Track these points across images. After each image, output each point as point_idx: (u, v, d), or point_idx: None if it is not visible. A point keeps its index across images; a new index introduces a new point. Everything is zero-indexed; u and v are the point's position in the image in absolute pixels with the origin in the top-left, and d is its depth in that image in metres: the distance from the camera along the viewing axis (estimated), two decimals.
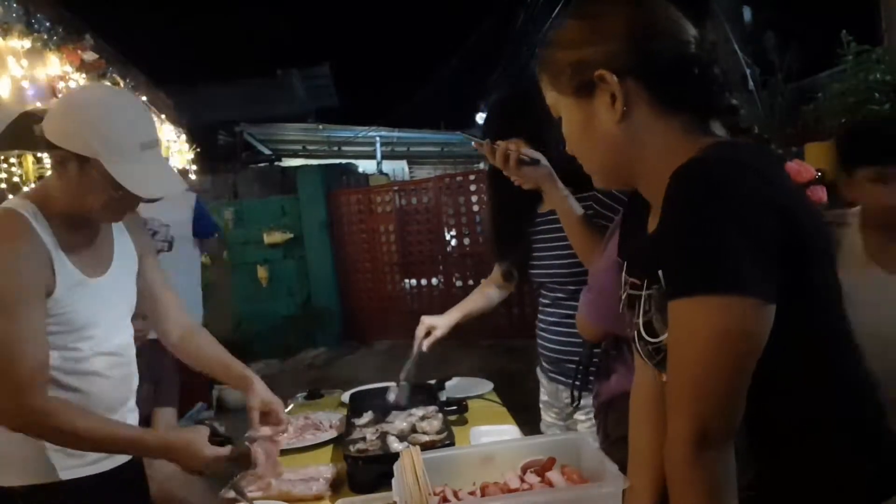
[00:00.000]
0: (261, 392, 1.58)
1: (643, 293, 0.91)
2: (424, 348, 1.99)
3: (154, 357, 2.10)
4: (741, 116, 0.94)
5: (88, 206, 1.37)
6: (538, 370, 2.05)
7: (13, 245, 1.29)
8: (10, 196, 1.92)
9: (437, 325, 2.02)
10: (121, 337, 1.52)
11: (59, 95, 3.80)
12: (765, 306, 0.78)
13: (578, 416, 1.85)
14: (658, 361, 0.92)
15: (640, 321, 0.92)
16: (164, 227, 3.26)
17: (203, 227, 3.56)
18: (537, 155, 1.61)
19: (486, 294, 2.16)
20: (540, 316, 1.96)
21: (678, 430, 0.82)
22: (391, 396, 1.91)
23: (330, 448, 1.86)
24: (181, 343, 1.67)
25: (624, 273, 1.02)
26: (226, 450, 1.42)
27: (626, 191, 1.54)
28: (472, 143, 1.75)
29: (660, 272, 0.86)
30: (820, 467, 0.87)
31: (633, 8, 0.91)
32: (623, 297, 1.01)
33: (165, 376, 2.80)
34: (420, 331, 2.01)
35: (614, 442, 1.44)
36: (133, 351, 1.56)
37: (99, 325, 1.43)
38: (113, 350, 1.47)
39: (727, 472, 0.83)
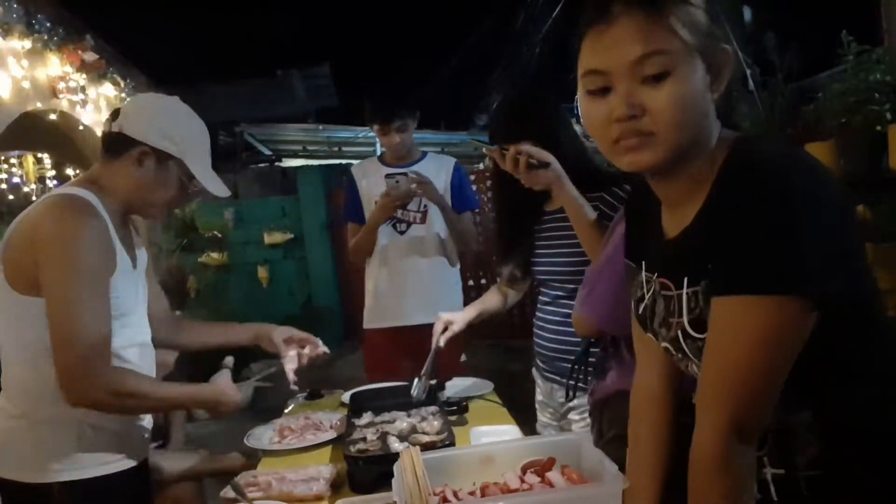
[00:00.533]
0: (275, 330, 1.82)
1: (685, 291, 0.90)
2: (441, 344, 2.00)
3: None
4: (738, 112, 0.95)
5: (153, 201, 1.53)
6: (534, 370, 2.05)
7: (88, 221, 1.38)
8: (11, 197, 1.99)
9: (453, 320, 2.04)
10: (147, 330, 1.61)
11: (60, 95, 3.81)
12: (812, 308, 0.78)
13: (572, 415, 1.86)
14: None
15: (686, 319, 0.91)
16: (404, 177, 2.57)
17: (466, 200, 2.83)
18: (548, 157, 1.60)
19: (501, 293, 2.17)
20: (538, 314, 1.97)
21: (712, 426, 0.83)
22: (415, 392, 1.92)
23: (330, 448, 1.85)
24: (173, 334, 1.77)
25: (643, 273, 1.01)
26: (251, 382, 1.74)
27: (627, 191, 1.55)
28: (483, 149, 1.76)
29: (710, 267, 0.85)
30: (886, 443, 0.86)
31: None
32: (645, 297, 1.00)
33: None
34: (438, 326, 2.03)
35: (609, 441, 1.45)
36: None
37: (136, 314, 1.55)
38: (143, 341, 1.58)
39: (751, 469, 0.84)
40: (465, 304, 2.34)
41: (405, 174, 2.52)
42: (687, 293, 0.90)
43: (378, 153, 3.07)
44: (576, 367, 1.67)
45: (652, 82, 0.82)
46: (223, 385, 1.58)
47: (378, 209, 2.63)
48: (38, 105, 3.66)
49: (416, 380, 1.93)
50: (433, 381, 2.13)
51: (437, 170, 2.79)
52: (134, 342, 1.53)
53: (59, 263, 1.34)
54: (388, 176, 2.53)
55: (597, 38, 0.85)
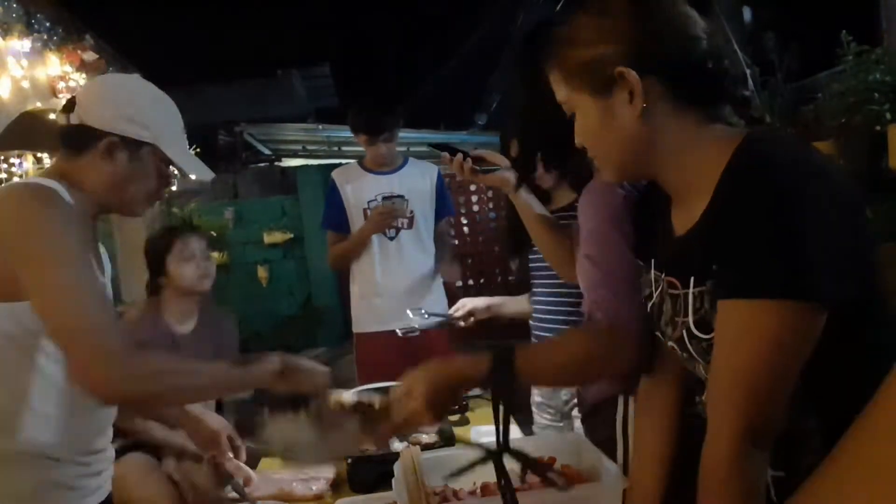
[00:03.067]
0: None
1: (690, 291, 0.90)
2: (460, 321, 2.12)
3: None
4: (754, 107, 0.95)
5: (132, 196, 1.32)
6: None
7: (60, 208, 1.19)
8: None
9: (481, 306, 2.17)
10: None
11: (59, 95, 3.81)
12: (823, 312, 0.78)
13: (577, 412, 1.86)
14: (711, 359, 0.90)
15: (691, 319, 0.90)
16: (400, 199, 2.74)
17: (446, 208, 2.96)
18: (498, 161, 1.67)
19: (523, 301, 2.18)
20: (535, 314, 1.97)
21: (724, 428, 0.82)
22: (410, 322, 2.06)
23: None
24: None
25: (653, 271, 1.01)
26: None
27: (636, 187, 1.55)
28: (442, 156, 1.79)
29: (714, 269, 0.85)
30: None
31: (646, 5, 0.91)
32: (653, 297, 1.00)
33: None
34: (460, 311, 2.16)
35: (599, 443, 1.44)
36: None
37: None
38: None
39: (762, 475, 0.83)
40: (451, 304, 2.43)
41: (402, 197, 2.61)
42: (693, 293, 0.90)
43: None
44: None
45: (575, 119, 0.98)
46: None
47: (372, 225, 2.73)
48: (38, 105, 3.66)
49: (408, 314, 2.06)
50: None
51: (422, 176, 2.90)
52: None
53: (39, 253, 1.14)
54: (385, 198, 2.65)
55: None
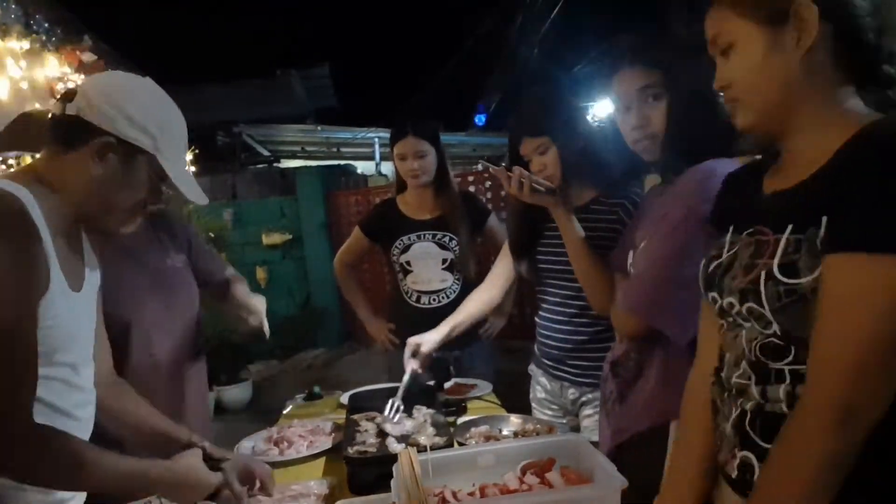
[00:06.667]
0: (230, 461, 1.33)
1: (785, 236, 0.86)
2: (418, 369, 1.95)
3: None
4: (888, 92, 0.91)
5: (114, 206, 1.19)
6: (532, 367, 2.05)
7: (11, 233, 1.03)
8: None
9: (422, 342, 1.97)
10: (89, 369, 1.27)
11: (59, 97, 3.80)
12: None
13: (587, 409, 1.86)
14: (782, 306, 0.86)
15: (776, 261, 0.86)
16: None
17: None
18: (549, 184, 1.71)
19: (477, 299, 2.13)
20: (544, 314, 1.97)
21: (821, 396, 0.76)
22: (388, 413, 1.83)
23: (324, 460, 1.79)
24: (106, 397, 1.34)
25: (728, 236, 0.99)
26: (217, 476, 1.24)
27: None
28: (491, 169, 1.81)
29: (823, 219, 0.81)
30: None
31: None
32: (721, 256, 0.98)
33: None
34: (407, 352, 1.96)
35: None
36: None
37: (72, 350, 1.19)
38: (82, 384, 1.24)
39: (845, 465, 0.76)
40: None
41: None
42: (788, 238, 0.86)
43: (376, 155, 3.06)
44: (618, 368, 1.60)
45: (723, 56, 0.96)
46: (195, 464, 1.22)
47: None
48: (37, 106, 3.66)
49: (389, 402, 1.86)
50: (431, 382, 2.13)
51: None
52: (65, 381, 1.18)
53: None
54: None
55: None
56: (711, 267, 1.00)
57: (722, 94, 0.98)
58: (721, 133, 1.22)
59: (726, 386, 0.99)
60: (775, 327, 0.88)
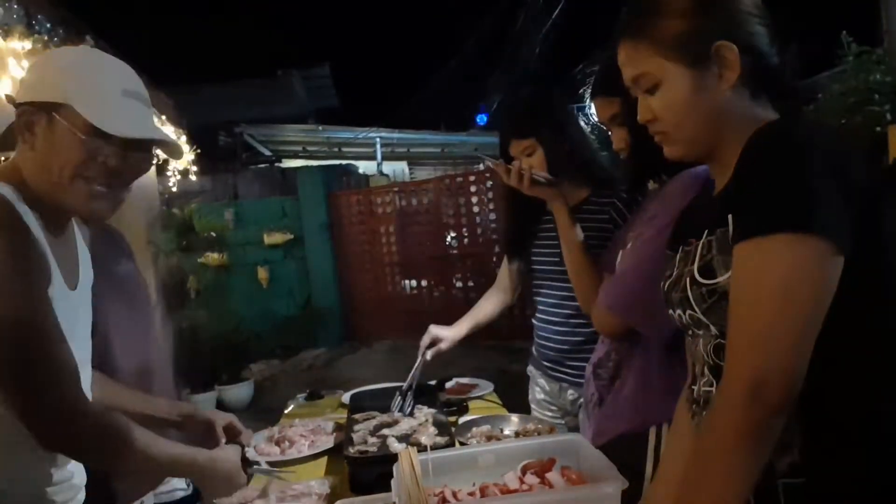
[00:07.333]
0: (209, 414, 1.43)
1: (701, 241, 0.93)
2: (428, 358, 2.00)
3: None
4: (797, 101, 0.98)
5: (57, 179, 1.08)
6: (531, 368, 2.05)
7: (6, 228, 1.01)
8: None
9: (442, 337, 2.03)
10: (87, 370, 1.23)
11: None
12: (836, 254, 0.78)
13: (583, 412, 1.86)
14: (708, 307, 0.90)
15: (696, 266, 0.92)
16: None
17: None
18: (549, 176, 1.70)
19: (493, 300, 2.17)
20: (540, 315, 1.97)
21: (733, 373, 0.79)
22: (395, 404, 1.89)
23: (326, 459, 1.79)
24: (113, 399, 1.35)
25: (678, 255, 1.02)
26: (244, 477, 1.29)
27: (640, 197, 1.56)
28: (489, 163, 1.82)
29: (729, 217, 0.86)
30: (876, 459, 0.83)
31: None
32: (673, 273, 1.01)
33: None
34: (425, 340, 2.02)
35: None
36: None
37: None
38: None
39: (767, 447, 0.78)
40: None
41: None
42: (702, 242, 0.93)
43: (378, 155, 3.05)
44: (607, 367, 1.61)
45: (650, 93, 0.97)
46: (234, 459, 1.26)
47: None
48: None
49: (397, 394, 1.92)
50: (433, 382, 2.13)
51: None
52: None
53: None
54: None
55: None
56: (665, 286, 1.03)
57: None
58: None
59: (696, 397, 1.00)
60: (714, 329, 0.92)
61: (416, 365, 1.98)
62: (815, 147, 0.81)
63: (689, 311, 0.95)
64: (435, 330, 2.04)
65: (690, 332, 1.00)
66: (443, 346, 2.02)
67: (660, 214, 1.36)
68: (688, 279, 0.93)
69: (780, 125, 0.88)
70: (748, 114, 0.93)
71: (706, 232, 0.92)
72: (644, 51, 0.96)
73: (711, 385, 0.95)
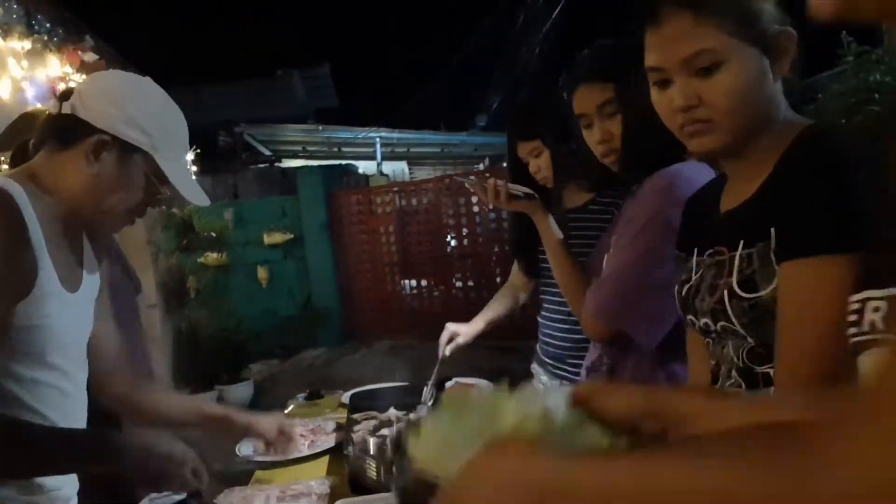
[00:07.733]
0: (261, 420, 1.48)
1: (738, 253, 0.91)
2: (447, 353, 2.04)
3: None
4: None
5: (109, 206, 1.16)
6: (534, 366, 2.06)
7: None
8: None
9: (460, 332, 2.06)
10: (83, 374, 1.23)
11: (56, 96, 3.80)
12: None
13: None
14: (750, 321, 0.90)
15: (735, 278, 0.91)
16: None
17: None
18: (526, 190, 1.69)
19: (508, 297, 2.19)
20: (545, 313, 1.97)
21: (790, 384, 0.81)
22: (425, 397, 1.96)
23: (327, 458, 1.78)
24: (129, 397, 1.37)
25: (695, 258, 1.01)
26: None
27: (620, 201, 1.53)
28: (465, 184, 1.83)
29: (772, 230, 0.86)
30: None
31: None
32: (691, 279, 1.01)
33: None
34: (444, 336, 2.06)
35: None
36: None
37: (68, 356, 1.17)
38: (75, 392, 1.21)
39: None
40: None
41: None
42: (741, 254, 0.91)
43: (378, 155, 3.06)
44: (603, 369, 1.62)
45: (704, 74, 0.89)
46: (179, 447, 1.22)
47: None
48: (39, 106, 3.66)
49: (426, 387, 1.99)
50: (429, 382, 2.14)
51: None
52: (57, 387, 1.15)
53: None
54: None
55: (652, 38, 0.93)
56: (684, 291, 1.03)
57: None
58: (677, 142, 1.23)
59: None
60: (750, 339, 0.92)
61: (439, 360, 2.03)
62: (865, 163, 0.80)
63: (721, 323, 0.94)
64: (452, 326, 2.08)
65: (714, 337, 0.99)
66: (460, 340, 2.06)
67: (637, 216, 1.34)
68: (726, 292, 0.92)
69: (830, 136, 0.86)
70: (782, 110, 0.92)
71: (742, 243, 0.90)
72: (708, 25, 0.87)
73: (739, 387, 0.95)
